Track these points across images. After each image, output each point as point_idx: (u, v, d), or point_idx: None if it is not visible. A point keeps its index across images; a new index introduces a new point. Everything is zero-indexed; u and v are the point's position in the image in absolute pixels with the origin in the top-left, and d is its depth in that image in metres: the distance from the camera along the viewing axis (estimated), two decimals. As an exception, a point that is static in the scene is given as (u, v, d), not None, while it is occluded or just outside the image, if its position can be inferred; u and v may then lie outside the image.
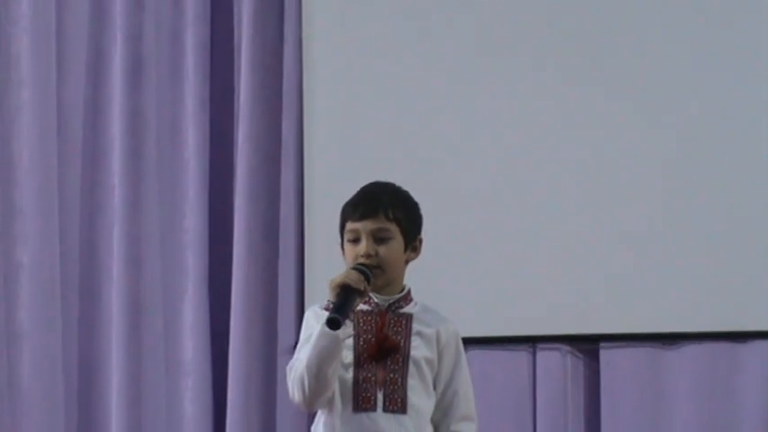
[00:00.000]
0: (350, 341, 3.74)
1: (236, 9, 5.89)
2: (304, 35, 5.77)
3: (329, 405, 3.78)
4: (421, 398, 3.81)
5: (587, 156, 5.63)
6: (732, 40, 5.61)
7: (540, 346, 5.63)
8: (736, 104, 5.59)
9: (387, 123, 5.68)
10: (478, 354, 5.45)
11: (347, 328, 3.69)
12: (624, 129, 5.64)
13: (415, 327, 3.83)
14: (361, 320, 3.78)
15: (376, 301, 3.80)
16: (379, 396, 3.78)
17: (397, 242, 3.78)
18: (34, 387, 5.73)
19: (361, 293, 3.71)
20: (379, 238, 3.77)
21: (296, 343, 3.83)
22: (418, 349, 3.82)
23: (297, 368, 3.74)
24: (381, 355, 3.80)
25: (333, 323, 3.62)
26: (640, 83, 5.62)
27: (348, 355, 3.76)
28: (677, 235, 5.57)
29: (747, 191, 5.55)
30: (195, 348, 5.75)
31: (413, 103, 5.69)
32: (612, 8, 5.67)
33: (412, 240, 3.82)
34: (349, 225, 3.79)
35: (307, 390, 3.72)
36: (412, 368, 3.81)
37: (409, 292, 3.85)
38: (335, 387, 3.77)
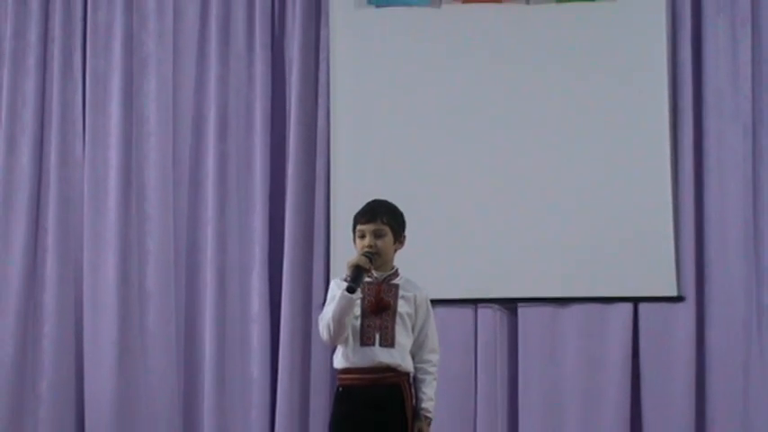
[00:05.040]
0: (359, 301, 4.04)
1: (287, 86, 6.05)
2: (331, 103, 5.91)
3: (345, 342, 4.05)
4: (404, 338, 4.06)
5: (515, 173, 5.76)
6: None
7: (480, 305, 5.84)
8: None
9: (388, 163, 5.87)
10: (441, 310, 5.59)
11: (358, 294, 3.96)
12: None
13: (401, 292, 4.10)
14: (366, 288, 4.07)
15: (376, 275, 4.12)
16: (377, 336, 4.03)
17: (389, 237, 4.12)
18: (157, 330, 6.00)
19: (367, 271, 4.00)
20: (377, 235, 4.06)
21: (324, 302, 4.06)
22: (402, 307, 4.07)
23: (324, 318, 4.03)
24: (379, 310, 4.03)
25: (350, 290, 3.94)
26: (542, 127, 5.75)
27: (357, 310, 4.03)
28: (567, 231, 5.73)
29: (613, 198, 5.62)
30: (259, 305, 5.92)
31: (406, 152, 5.84)
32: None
33: (398, 237, 4.13)
34: (358, 227, 4.11)
35: (332, 332, 4.00)
36: (398, 319, 4.06)
37: (397, 270, 4.17)
38: (349, 330, 4.00)
